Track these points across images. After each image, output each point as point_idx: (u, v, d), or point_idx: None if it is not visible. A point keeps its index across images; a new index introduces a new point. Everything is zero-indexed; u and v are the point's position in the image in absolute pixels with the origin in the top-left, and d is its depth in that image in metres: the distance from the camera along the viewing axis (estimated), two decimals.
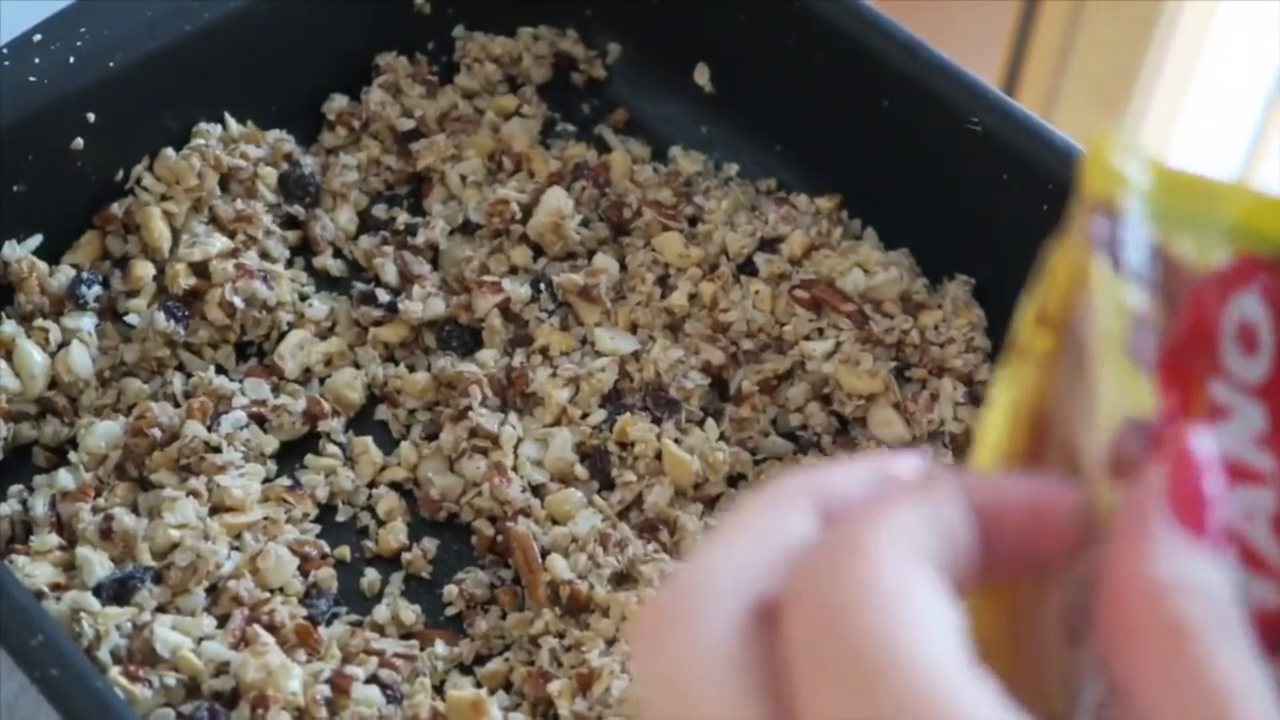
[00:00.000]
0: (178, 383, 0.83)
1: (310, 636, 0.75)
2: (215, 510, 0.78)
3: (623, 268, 0.88)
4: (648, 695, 0.35)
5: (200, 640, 0.73)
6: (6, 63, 0.82)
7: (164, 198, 0.86)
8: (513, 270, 0.88)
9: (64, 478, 0.79)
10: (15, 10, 0.85)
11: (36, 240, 0.84)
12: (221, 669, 0.72)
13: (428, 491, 0.81)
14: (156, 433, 0.79)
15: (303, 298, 0.88)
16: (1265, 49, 1.59)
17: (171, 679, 0.71)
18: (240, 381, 0.83)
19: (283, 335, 0.86)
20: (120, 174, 0.86)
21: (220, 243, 0.85)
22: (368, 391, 0.85)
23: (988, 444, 0.39)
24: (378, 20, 0.94)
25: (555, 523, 0.80)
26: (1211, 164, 1.71)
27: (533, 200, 0.89)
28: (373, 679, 0.74)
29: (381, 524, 0.81)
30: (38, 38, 0.83)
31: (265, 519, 0.79)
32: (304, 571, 0.78)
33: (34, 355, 0.81)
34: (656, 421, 0.83)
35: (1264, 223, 0.41)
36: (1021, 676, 0.37)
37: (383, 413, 0.85)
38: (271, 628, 0.74)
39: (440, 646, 0.76)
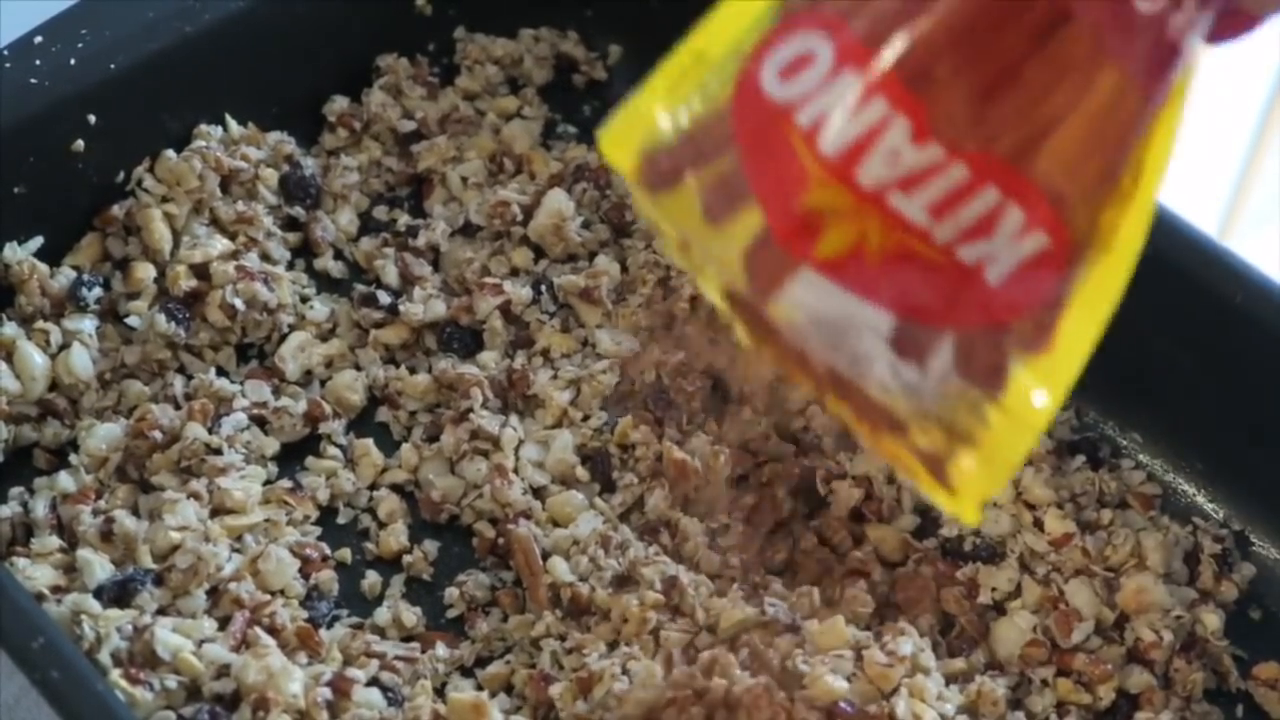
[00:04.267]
0: (178, 385, 0.82)
1: (311, 639, 0.75)
2: (216, 512, 0.78)
3: (624, 269, 0.88)
4: None
5: (201, 642, 0.73)
6: (7, 64, 0.82)
7: (165, 199, 0.86)
8: (514, 272, 0.88)
9: (65, 480, 0.79)
10: (16, 12, 0.85)
11: (37, 242, 0.84)
12: (222, 671, 0.72)
13: (428, 493, 0.81)
14: (157, 435, 0.79)
15: (303, 299, 0.87)
16: (1265, 49, 1.59)
17: (172, 681, 0.71)
18: (241, 383, 0.83)
19: (283, 337, 0.86)
20: (121, 176, 0.86)
21: (221, 244, 0.85)
22: (368, 393, 0.85)
23: None
24: (378, 22, 0.94)
25: (556, 525, 0.80)
26: (1212, 165, 1.70)
27: (534, 202, 0.89)
28: (374, 681, 0.74)
29: (382, 526, 0.81)
30: (39, 39, 0.83)
31: (266, 521, 0.79)
32: (305, 574, 0.78)
33: (35, 357, 0.81)
34: (658, 423, 0.83)
35: (730, 28, 0.51)
36: None
37: (383, 414, 0.85)
38: (272, 630, 0.74)
39: (441, 649, 0.76)
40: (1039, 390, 0.52)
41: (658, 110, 0.50)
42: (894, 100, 0.46)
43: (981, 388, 0.51)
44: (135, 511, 0.78)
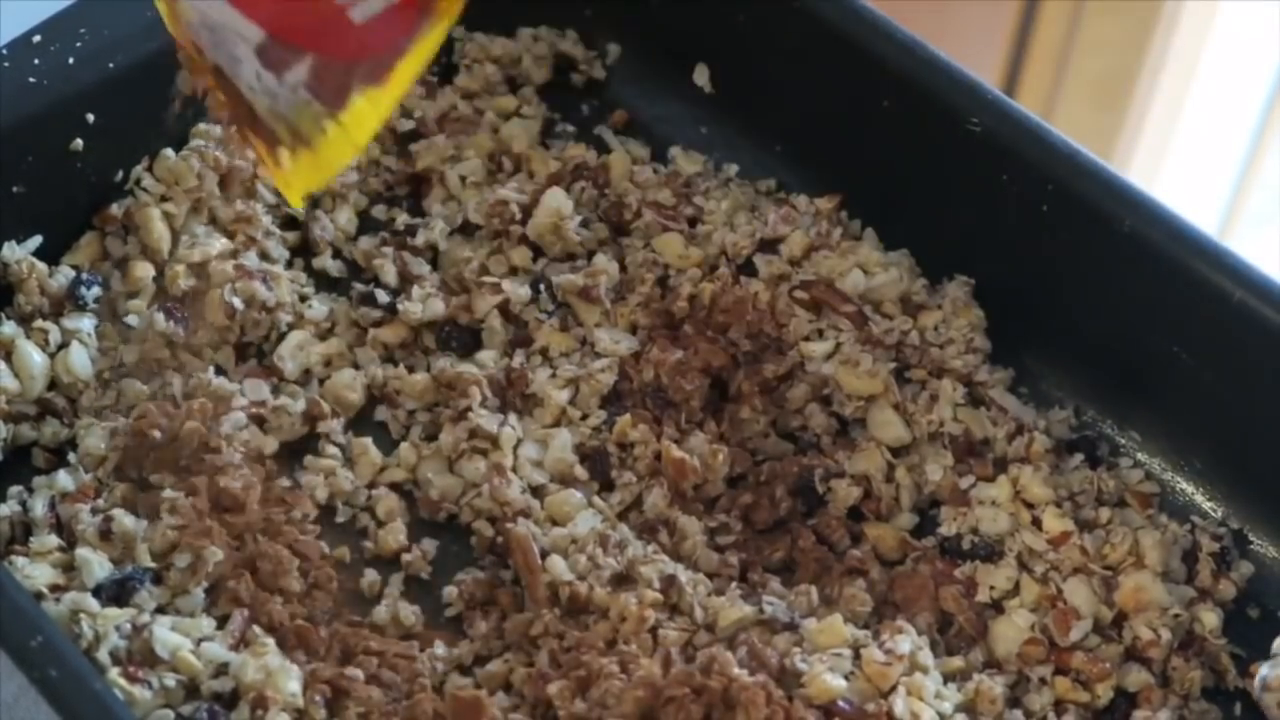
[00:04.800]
0: (177, 384, 0.82)
1: (310, 637, 0.75)
2: (215, 511, 0.78)
3: (622, 268, 0.88)
4: None
5: (199, 641, 0.73)
6: (6, 64, 0.82)
7: (163, 198, 0.86)
8: (512, 271, 0.88)
9: (63, 479, 0.79)
10: (15, 11, 0.85)
11: (36, 241, 0.84)
12: (221, 670, 0.72)
13: (427, 492, 0.81)
14: (156, 434, 0.79)
15: (302, 298, 0.88)
16: (1265, 49, 1.59)
17: (171, 680, 0.71)
18: (240, 383, 0.83)
19: (282, 336, 0.86)
20: (120, 175, 0.86)
21: (220, 243, 0.85)
22: (367, 392, 0.85)
23: None
24: None
25: (555, 523, 0.80)
26: (1212, 165, 1.71)
27: (532, 201, 0.89)
28: (372, 680, 0.74)
29: (381, 525, 0.81)
30: (37, 39, 0.83)
31: (265, 520, 0.79)
32: (303, 572, 0.78)
33: (34, 356, 0.81)
34: (656, 422, 0.83)
35: None
36: None
37: (382, 413, 0.85)
38: (271, 629, 0.74)
39: (440, 647, 0.76)
40: (367, 115, 0.65)
41: None
42: None
43: (325, 104, 0.64)
44: (134, 510, 0.78)
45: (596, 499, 0.81)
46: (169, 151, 0.87)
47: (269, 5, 0.62)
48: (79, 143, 0.83)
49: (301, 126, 0.65)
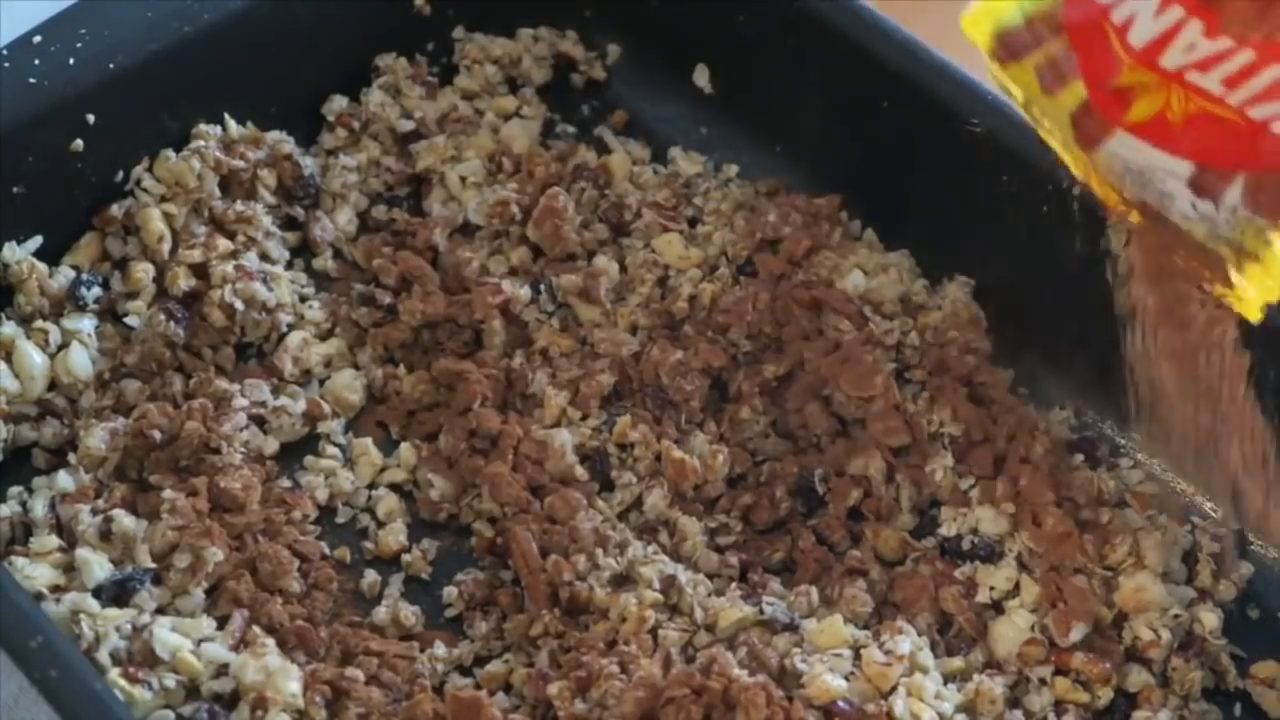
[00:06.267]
0: (177, 384, 0.82)
1: (310, 638, 0.75)
2: (215, 511, 0.78)
3: (622, 269, 0.88)
4: None
5: (200, 642, 0.73)
6: (7, 64, 0.82)
7: (164, 199, 0.86)
8: (512, 271, 0.88)
9: (63, 479, 0.79)
10: (15, 11, 0.85)
11: (36, 242, 0.84)
12: (221, 670, 0.72)
13: (427, 493, 0.81)
14: (156, 434, 0.79)
15: (302, 299, 0.88)
16: None
17: (171, 680, 0.71)
18: (240, 383, 0.83)
19: (282, 337, 0.86)
20: (120, 175, 0.86)
21: (220, 244, 0.85)
22: (367, 393, 0.85)
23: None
24: (378, 22, 0.94)
25: (555, 524, 0.79)
26: None
27: (532, 201, 0.89)
28: (372, 680, 0.74)
29: (381, 525, 0.81)
30: (38, 39, 0.83)
31: (265, 520, 0.79)
32: (304, 573, 0.78)
33: (34, 357, 0.81)
34: (656, 423, 0.83)
35: None
36: None
37: (382, 414, 0.85)
38: (271, 629, 0.75)
39: (440, 648, 0.76)
40: None
41: (1009, 2, 0.66)
42: (1189, 8, 0.61)
43: (1268, 217, 0.64)
44: (134, 511, 0.78)
45: (597, 499, 0.81)
46: (169, 152, 0.87)
47: (1192, 141, 0.64)
48: (79, 143, 0.84)
49: (1246, 243, 0.66)
